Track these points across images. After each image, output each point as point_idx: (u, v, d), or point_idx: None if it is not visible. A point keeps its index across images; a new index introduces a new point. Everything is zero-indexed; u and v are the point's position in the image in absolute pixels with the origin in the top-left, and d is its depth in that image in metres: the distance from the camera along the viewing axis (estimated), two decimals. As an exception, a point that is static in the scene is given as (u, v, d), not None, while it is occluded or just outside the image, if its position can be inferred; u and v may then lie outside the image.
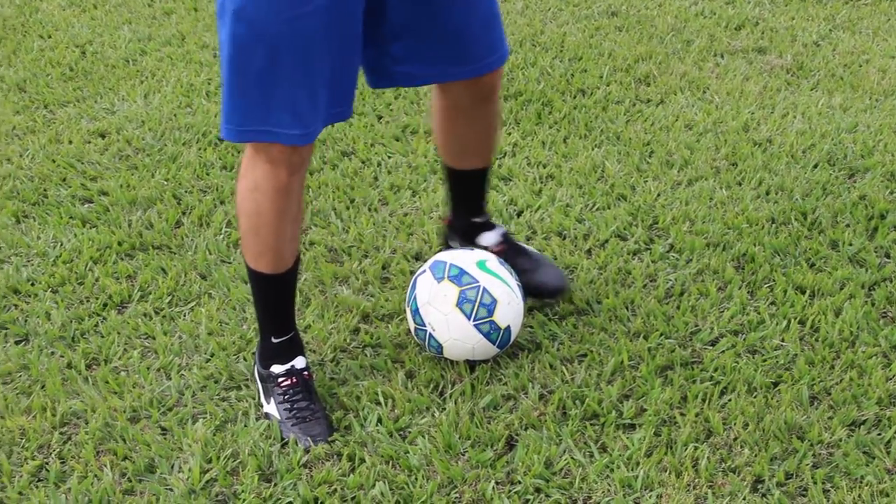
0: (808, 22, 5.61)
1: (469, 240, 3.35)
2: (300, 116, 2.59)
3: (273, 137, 2.60)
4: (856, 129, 4.42)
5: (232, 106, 2.60)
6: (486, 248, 3.26)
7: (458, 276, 2.97)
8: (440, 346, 2.99)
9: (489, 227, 3.35)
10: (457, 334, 2.96)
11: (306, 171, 2.76)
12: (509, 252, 3.29)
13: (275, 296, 2.93)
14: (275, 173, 2.67)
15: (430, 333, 2.98)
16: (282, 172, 2.67)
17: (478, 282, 2.96)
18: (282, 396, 2.91)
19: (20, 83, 4.99)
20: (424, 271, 3.05)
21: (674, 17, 5.62)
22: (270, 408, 2.92)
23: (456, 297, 2.94)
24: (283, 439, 2.84)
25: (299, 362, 2.95)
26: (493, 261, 3.05)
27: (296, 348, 2.97)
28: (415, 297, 3.02)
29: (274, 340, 2.95)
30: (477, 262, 3.02)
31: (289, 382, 2.91)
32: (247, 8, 2.46)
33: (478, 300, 2.94)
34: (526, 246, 3.41)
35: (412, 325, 3.04)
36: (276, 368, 2.93)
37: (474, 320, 2.94)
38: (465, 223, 3.36)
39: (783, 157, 4.18)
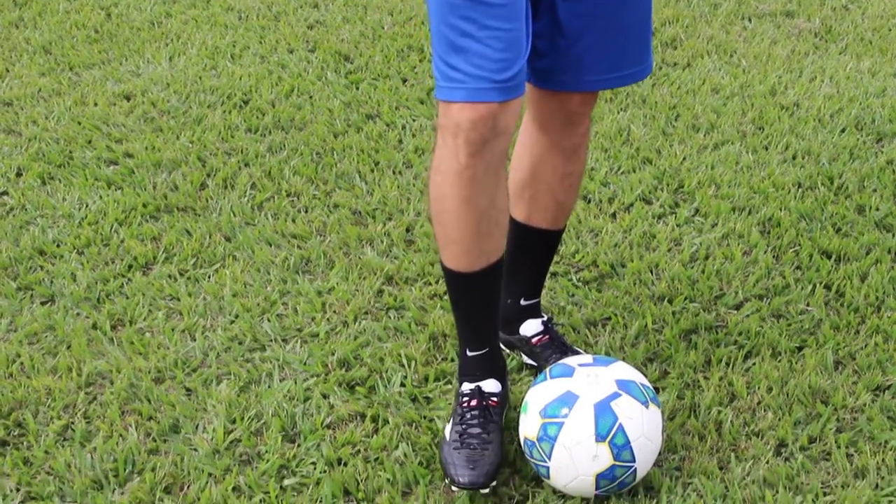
0: (837, -15, 5.55)
1: (510, 328, 2.88)
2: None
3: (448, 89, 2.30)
4: (884, 93, 4.38)
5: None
6: (525, 339, 2.88)
7: (621, 448, 2.42)
8: (546, 475, 2.51)
9: (535, 312, 2.89)
10: (573, 485, 2.48)
11: (498, 158, 2.35)
12: (549, 344, 2.86)
13: (463, 298, 2.59)
14: (454, 151, 2.32)
15: (546, 467, 2.47)
16: (461, 151, 2.30)
17: (634, 464, 2.45)
18: (459, 417, 2.59)
19: (46, 45, 4.99)
20: (586, 414, 2.43)
21: (701, -20, 5.57)
22: (447, 427, 2.61)
23: (603, 468, 2.43)
24: (443, 462, 2.55)
25: (489, 385, 2.62)
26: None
27: (490, 369, 2.64)
28: (557, 435, 2.43)
29: (468, 353, 2.63)
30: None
31: (469, 404, 2.60)
32: None
33: (620, 479, 2.46)
34: (566, 340, 2.93)
35: (525, 445, 2.52)
36: (464, 386, 2.63)
37: (600, 490, 2.48)
38: (512, 306, 2.86)
39: (810, 121, 4.15)
